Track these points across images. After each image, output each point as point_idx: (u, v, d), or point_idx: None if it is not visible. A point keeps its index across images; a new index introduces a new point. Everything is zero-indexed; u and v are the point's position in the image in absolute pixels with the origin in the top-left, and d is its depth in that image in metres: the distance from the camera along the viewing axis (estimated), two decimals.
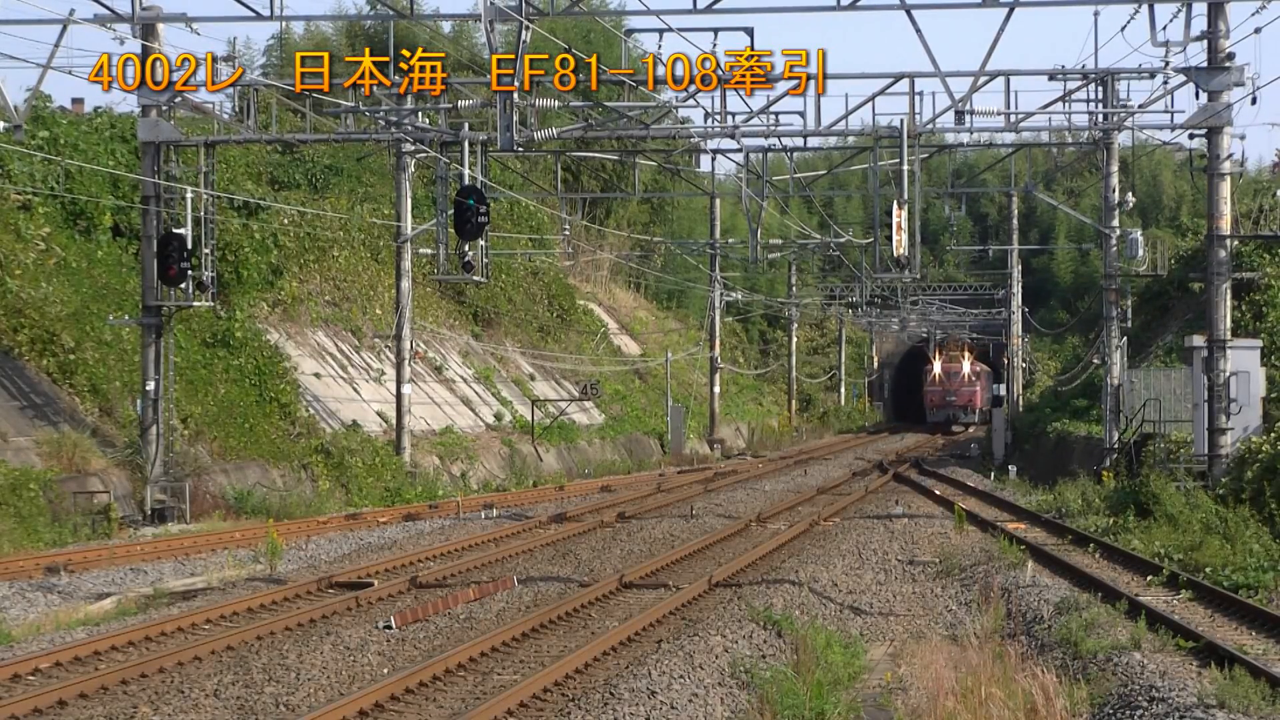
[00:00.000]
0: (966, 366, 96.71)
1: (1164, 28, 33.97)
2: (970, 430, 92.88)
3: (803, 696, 16.47)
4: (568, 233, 63.95)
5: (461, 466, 48.08)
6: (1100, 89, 37.28)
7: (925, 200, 70.08)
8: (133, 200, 38.83)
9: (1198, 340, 35.41)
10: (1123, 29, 41.23)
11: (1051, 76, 36.88)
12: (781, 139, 39.00)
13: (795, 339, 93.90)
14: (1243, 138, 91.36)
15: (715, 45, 30.22)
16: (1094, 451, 45.57)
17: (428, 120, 39.74)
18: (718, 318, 71.12)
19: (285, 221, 48.41)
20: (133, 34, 32.68)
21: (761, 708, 16.39)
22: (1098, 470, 41.33)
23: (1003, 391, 78.29)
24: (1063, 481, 40.24)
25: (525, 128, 31.73)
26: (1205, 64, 33.09)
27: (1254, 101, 33.54)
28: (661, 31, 30.73)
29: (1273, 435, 31.57)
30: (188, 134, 37.55)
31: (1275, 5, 52.02)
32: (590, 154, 55.38)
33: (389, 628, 21.15)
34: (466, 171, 34.44)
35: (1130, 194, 46.07)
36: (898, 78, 34.71)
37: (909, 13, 31.15)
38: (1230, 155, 33.63)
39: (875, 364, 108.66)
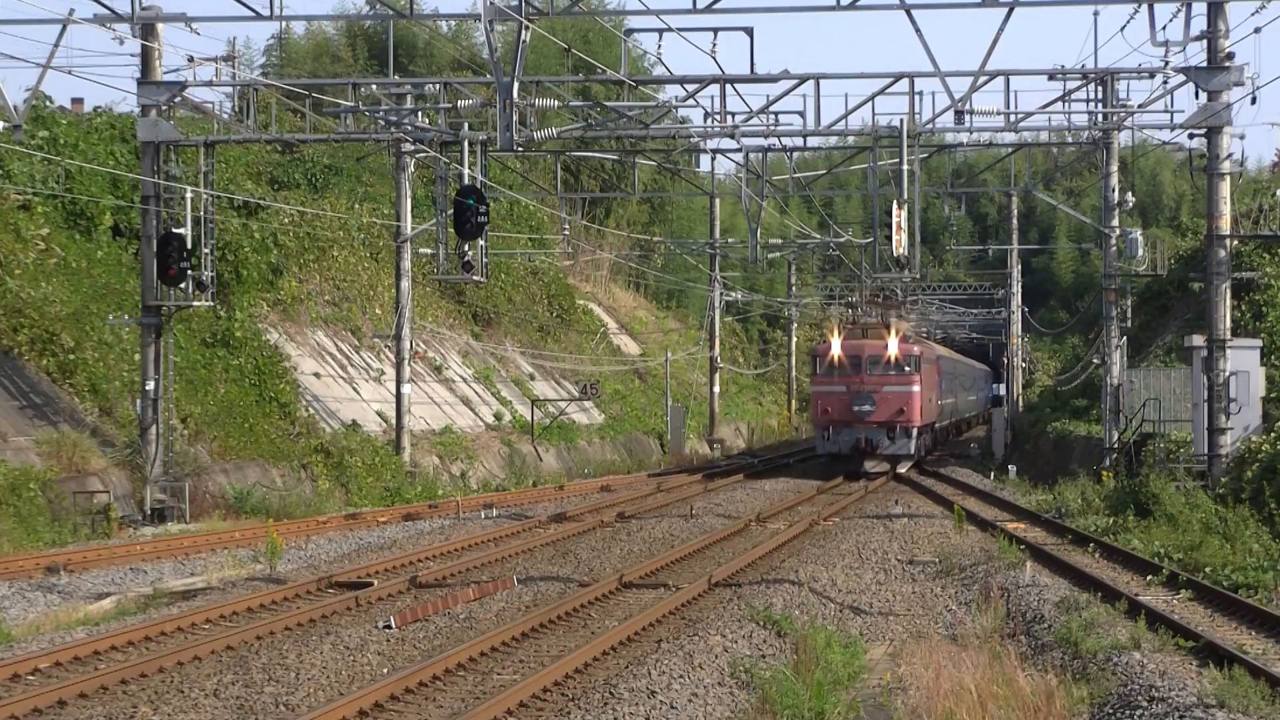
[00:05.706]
0: (894, 347, 52.53)
1: (1164, 27, 34.03)
2: (905, 469, 53.77)
3: (802, 696, 16.48)
4: (567, 232, 63.91)
5: (461, 466, 48.08)
6: (1100, 89, 37.29)
7: (925, 200, 70.14)
8: (133, 200, 38.83)
9: (1197, 340, 35.41)
10: (1122, 29, 41.36)
11: (1051, 76, 36.88)
12: (781, 139, 39.00)
13: (795, 339, 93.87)
14: (1242, 137, 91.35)
15: (715, 45, 30.26)
16: (1094, 451, 45.53)
17: (427, 120, 39.75)
18: (717, 317, 71.08)
19: (285, 221, 48.43)
20: (132, 34, 32.71)
21: (761, 708, 16.40)
22: (1097, 470, 41.29)
23: (1002, 391, 78.14)
24: (1062, 481, 40.20)
25: (525, 127, 31.74)
26: (1205, 64, 33.11)
27: (1254, 101, 33.62)
28: (661, 31, 30.77)
29: (1272, 435, 31.58)
30: (187, 134, 37.58)
31: (1275, 5, 52.08)
32: (590, 154, 55.32)
33: (389, 627, 21.14)
34: (466, 171, 34.43)
35: (1130, 194, 46.03)
36: (897, 77, 34.74)
37: (909, 12, 31.16)
38: (1230, 155, 33.65)
39: None
